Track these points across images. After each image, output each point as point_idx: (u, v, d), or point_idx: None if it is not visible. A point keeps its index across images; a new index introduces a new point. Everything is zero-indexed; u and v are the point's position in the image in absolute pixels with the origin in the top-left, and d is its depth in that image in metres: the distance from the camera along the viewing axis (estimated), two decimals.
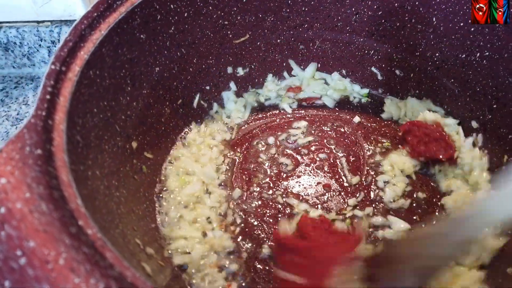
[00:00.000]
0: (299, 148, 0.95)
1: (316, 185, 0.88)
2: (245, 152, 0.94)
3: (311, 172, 0.90)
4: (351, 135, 0.97)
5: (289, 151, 0.94)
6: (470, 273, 0.70)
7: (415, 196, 0.85)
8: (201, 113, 0.98)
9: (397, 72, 0.99)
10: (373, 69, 1.01)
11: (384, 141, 0.95)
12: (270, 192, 0.87)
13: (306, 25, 0.97)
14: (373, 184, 0.87)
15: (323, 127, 0.99)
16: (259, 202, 0.85)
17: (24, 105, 1.14)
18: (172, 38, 0.82)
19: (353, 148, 0.94)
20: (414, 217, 0.82)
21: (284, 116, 1.02)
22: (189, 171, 0.87)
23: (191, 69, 0.91)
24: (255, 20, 0.92)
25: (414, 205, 0.83)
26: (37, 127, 0.52)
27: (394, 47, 0.96)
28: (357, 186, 0.87)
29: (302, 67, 1.04)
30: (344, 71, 1.04)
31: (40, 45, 1.18)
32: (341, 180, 0.89)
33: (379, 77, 1.02)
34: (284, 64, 1.04)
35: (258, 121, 1.01)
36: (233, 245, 0.78)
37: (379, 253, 0.63)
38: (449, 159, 0.84)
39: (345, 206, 0.84)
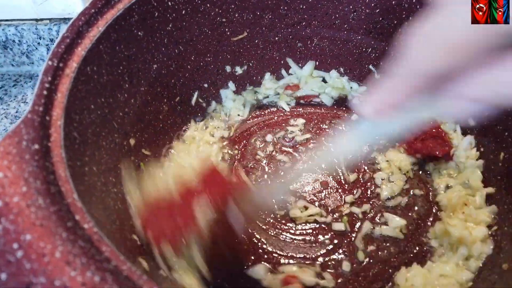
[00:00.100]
0: (297, 146, 0.95)
1: (313, 182, 0.88)
2: (242, 150, 0.94)
3: (308, 170, 0.90)
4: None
5: (286, 149, 0.95)
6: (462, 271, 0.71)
7: (412, 193, 0.85)
8: (199, 111, 0.99)
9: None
10: (370, 67, 1.02)
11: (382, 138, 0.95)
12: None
13: (304, 23, 0.97)
14: (370, 181, 0.88)
15: (321, 125, 0.99)
16: None
17: (23, 103, 1.15)
18: (170, 35, 0.82)
19: None
20: (411, 214, 0.82)
21: (282, 114, 1.03)
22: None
23: (189, 66, 0.91)
24: (253, 18, 0.93)
25: (411, 202, 0.84)
26: (34, 123, 0.52)
27: (392, 45, 0.96)
28: (354, 183, 0.88)
29: (300, 65, 1.04)
30: (342, 69, 1.04)
31: (39, 43, 1.18)
32: (338, 177, 0.89)
33: (376, 76, 1.02)
34: (282, 62, 1.04)
35: (256, 119, 1.02)
36: None
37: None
38: (446, 156, 0.85)
39: (342, 203, 0.84)
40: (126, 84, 0.75)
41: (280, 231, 0.80)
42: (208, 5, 0.85)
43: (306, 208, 0.83)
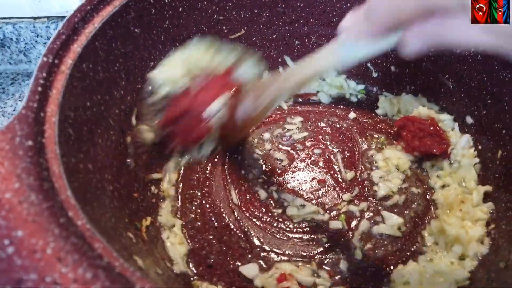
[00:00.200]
0: (294, 144, 0.95)
1: (311, 181, 0.88)
2: (240, 148, 0.94)
3: (306, 168, 0.90)
4: (346, 131, 0.97)
5: (284, 147, 0.94)
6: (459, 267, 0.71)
7: (409, 191, 0.85)
8: None
9: (392, 68, 0.99)
10: (368, 65, 1.01)
11: (379, 136, 0.95)
12: (265, 187, 0.87)
13: (301, 21, 0.97)
14: (368, 179, 0.87)
15: (319, 123, 0.99)
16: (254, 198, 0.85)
17: (20, 102, 1.14)
18: (166, 33, 0.82)
19: (348, 144, 0.94)
20: (408, 212, 0.81)
21: (279, 112, 1.02)
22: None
23: None
24: (251, 16, 0.93)
25: (408, 200, 0.83)
26: (28, 119, 0.52)
27: None
28: (352, 181, 0.87)
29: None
30: None
31: (36, 41, 1.18)
32: (336, 175, 0.88)
33: (374, 74, 1.02)
34: (280, 60, 1.04)
35: None
36: None
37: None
38: (443, 154, 0.84)
39: (340, 201, 0.84)
40: (123, 81, 0.75)
41: (277, 229, 0.80)
42: (205, 2, 0.85)
43: (303, 206, 0.83)
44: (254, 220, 0.81)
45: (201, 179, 0.88)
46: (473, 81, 0.85)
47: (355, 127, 0.97)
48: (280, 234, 0.79)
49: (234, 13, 0.91)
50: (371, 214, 0.82)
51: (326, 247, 0.77)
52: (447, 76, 0.90)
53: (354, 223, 0.81)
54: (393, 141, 0.93)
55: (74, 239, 0.43)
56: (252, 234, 0.79)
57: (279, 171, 0.90)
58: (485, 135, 0.84)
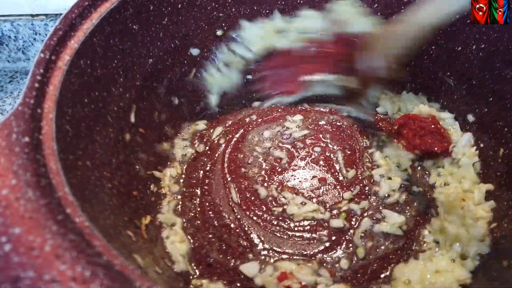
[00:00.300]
0: (295, 142, 0.94)
1: (311, 179, 0.87)
2: (240, 146, 0.93)
3: (306, 166, 0.89)
4: (347, 129, 0.96)
5: (284, 145, 0.94)
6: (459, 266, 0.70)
7: (410, 189, 0.84)
8: (195, 106, 0.98)
9: (393, 66, 0.98)
10: None
11: (380, 135, 0.94)
12: (265, 185, 0.86)
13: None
14: (368, 178, 0.87)
15: (319, 121, 0.98)
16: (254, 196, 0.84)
17: (18, 100, 1.13)
18: (165, 29, 0.81)
19: (349, 142, 0.93)
20: (409, 211, 0.81)
21: (279, 110, 1.02)
22: None
23: (185, 61, 0.90)
24: (250, 13, 0.92)
25: (409, 199, 0.83)
26: (25, 115, 0.51)
27: None
28: (352, 180, 0.87)
29: None
30: None
31: (34, 38, 1.17)
32: (336, 174, 0.88)
33: None
34: None
35: (253, 115, 1.01)
36: None
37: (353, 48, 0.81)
38: (444, 152, 0.84)
39: (341, 200, 0.83)
40: (121, 78, 0.74)
41: (277, 227, 0.79)
42: None
43: (303, 204, 0.82)
44: (254, 218, 0.81)
45: (201, 177, 0.88)
46: (475, 78, 0.84)
47: (355, 125, 0.97)
48: (281, 233, 0.79)
49: (233, 10, 0.90)
50: (372, 212, 0.81)
51: (327, 245, 0.77)
52: (448, 74, 0.90)
53: (355, 221, 0.80)
54: (394, 140, 0.92)
55: (72, 236, 0.43)
56: (252, 233, 0.79)
57: (279, 170, 0.89)
58: (487, 133, 0.84)
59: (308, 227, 0.80)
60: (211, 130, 0.97)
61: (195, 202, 0.84)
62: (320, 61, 0.87)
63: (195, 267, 0.74)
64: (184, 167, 0.90)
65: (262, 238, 0.78)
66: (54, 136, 0.52)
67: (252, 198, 0.84)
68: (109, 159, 0.70)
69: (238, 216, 0.81)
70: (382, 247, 0.76)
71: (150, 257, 0.67)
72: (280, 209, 0.82)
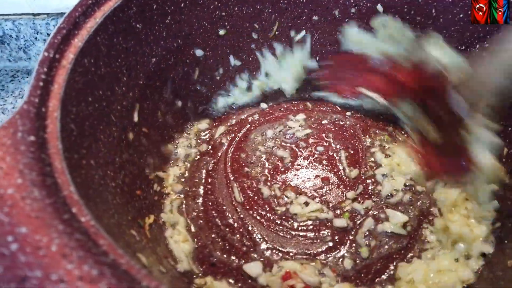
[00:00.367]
0: (298, 141, 0.94)
1: (314, 178, 0.87)
2: (242, 145, 0.93)
3: (309, 165, 0.89)
4: (350, 128, 0.96)
5: (287, 144, 0.93)
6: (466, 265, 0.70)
7: (413, 189, 0.84)
8: (198, 106, 0.97)
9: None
10: None
11: (383, 134, 0.94)
12: (268, 185, 0.86)
13: (304, 17, 0.96)
14: (372, 177, 0.87)
15: (322, 120, 0.98)
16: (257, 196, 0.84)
17: (20, 99, 1.13)
18: (168, 29, 0.81)
19: (352, 141, 0.93)
20: (413, 210, 0.81)
21: (282, 109, 1.02)
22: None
23: (188, 60, 0.90)
24: (253, 12, 0.92)
25: (412, 198, 0.83)
26: (30, 114, 0.51)
27: None
28: (355, 179, 0.87)
29: None
30: None
31: (36, 38, 1.17)
32: (339, 173, 0.88)
33: None
34: None
35: (256, 114, 1.01)
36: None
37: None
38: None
39: (344, 199, 0.83)
40: (124, 77, 0.74)
41: (281, 227, 0.79)
42: None
43: (307, 204, 0.82)
44: (258, 218, 0.81)
45: (204, 176, 0.88)
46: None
47: (358, 125, 0.97)
48: (284, 232, 0.79)
49: (236, 9, 0.90)
50: (376, 212, 0.81)
51: (331, 245, 0.77)
52: None
53: (358, 221, 0.80)
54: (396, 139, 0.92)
55: (78, 235, 0.42)
56: (256, 232, 0.78)
57: (282, 169, 0.89)
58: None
59: (312, 227, 0.79)
60: (214, 130, 0.97)
61: (198, 201, 0.83)
62: (384, 81, 0.85)
63: (198, 267, 0.74)
64: (187, 167, 0.90)
65: (266, 238, 0.78)
66: (59, 135, 0.52)
67: (255, 197, 0.84)
68: (113, 158, 0.69)
69: (241, 216, 0.81)
70: (386, 247, 0.76)
71: (154, 257, 0.67)
72: (283, 208, 0.82)
